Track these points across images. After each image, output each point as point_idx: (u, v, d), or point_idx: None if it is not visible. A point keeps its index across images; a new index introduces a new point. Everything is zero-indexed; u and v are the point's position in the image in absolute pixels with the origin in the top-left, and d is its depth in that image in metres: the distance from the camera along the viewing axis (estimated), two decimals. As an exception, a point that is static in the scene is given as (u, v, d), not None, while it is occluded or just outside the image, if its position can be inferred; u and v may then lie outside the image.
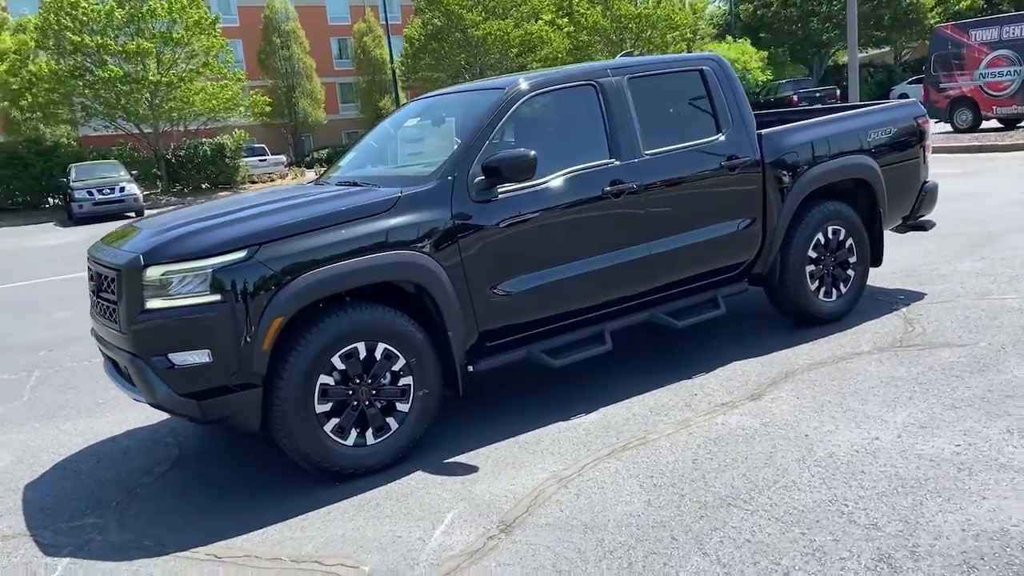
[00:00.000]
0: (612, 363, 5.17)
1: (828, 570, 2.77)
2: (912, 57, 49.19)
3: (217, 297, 3.56)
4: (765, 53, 43.85)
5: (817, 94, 36.34)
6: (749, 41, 44.04)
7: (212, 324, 3.56)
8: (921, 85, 22.81)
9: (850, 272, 5.57)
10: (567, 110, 4.78)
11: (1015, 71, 19.32)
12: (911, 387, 4.28)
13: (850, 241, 5.52)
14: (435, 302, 3.99)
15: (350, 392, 3.83)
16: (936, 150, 16.59)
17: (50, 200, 29.35)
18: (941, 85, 20.86)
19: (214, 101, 30.74)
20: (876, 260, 5.77)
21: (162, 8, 29.01)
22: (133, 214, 22.88)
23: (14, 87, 30.00)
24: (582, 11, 37.91)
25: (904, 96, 38.88)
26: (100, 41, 28.33)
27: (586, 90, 4.66)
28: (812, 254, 5.36)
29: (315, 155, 43.93)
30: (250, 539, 3.44)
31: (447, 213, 4.05)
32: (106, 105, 29.54)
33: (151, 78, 29.16)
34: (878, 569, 2.75)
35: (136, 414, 5.05)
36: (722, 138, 4.99)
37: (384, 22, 38.44)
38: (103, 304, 3.96)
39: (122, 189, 24.05)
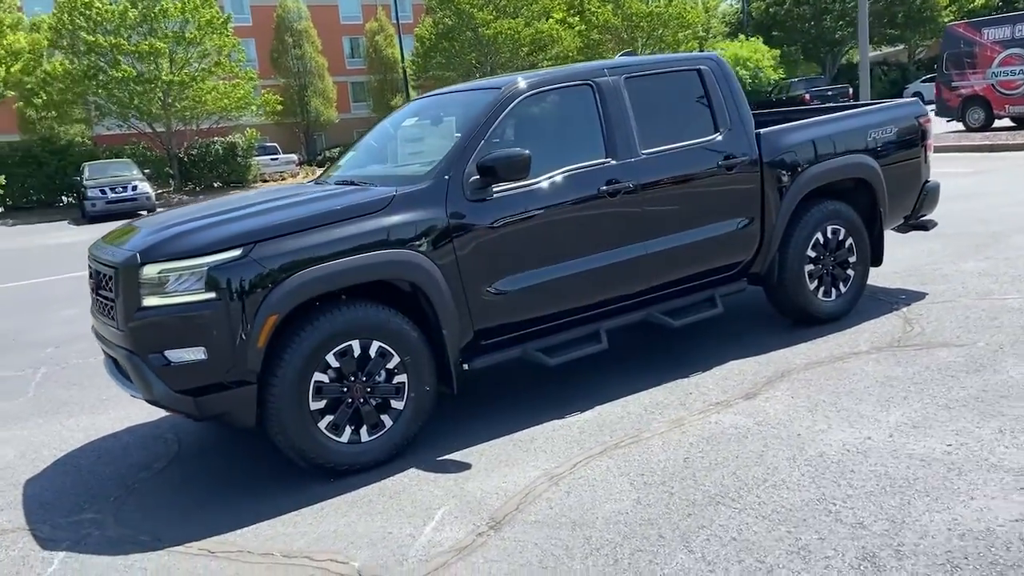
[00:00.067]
0: (610, 362, 5.19)
1: (812, 568, 2.79)
2: (926, 55, 48.92)
3: (212, 295, 3.60)
4: (777, 51, 43.69)
5: (829, 92, 36.18)
6: (761, 39, 43.88)
7: (207, 321, 3.60)
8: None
9: (850, 272, 5.57)
10: (564, 110, 4.79)
11: (1028, 69, 19.19)
12: (906, 387, 4.28)
13: (850, 241, 5.51)
14: (429, 301, 4.02)
15: (344, 389, 3.87)
16: (947, 149, 16.56)
17: (64, 198, 29.62)
18: (953, 84, 20.72)
19: (226, 100, 30.93)
20: (876, 260, 5.76)
21: (175, 8, 29.20)
22: (145, 212, 23.03)
23: (28, 86, 30.23)
24: (593, 10, 37.90)
25: (918, 95, 38.78)
26: (114, 41, 28.53)
27: (583, 90, 4.67)
28: (811, 254, 5.35)
29: (327, 154, 44.07)
30: (243, 534, 3.48)
31: (442, 212, 4.08)
32: (119, 104, 29.78)
33: (164, 77, 29.36)
34: (861, 568, 2.75)
35: (137, 411, 5.11)
36: (719, 137, 5.00)
37: (395, 21, 38.53)
38: (102, 302, 4.01)
39: (134, 188, 24.23)
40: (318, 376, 3.78)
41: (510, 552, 3.10)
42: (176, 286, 3.63)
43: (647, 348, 5.47)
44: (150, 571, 3.25)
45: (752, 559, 2.88)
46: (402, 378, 4.00)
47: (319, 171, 35.96)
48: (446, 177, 4.17)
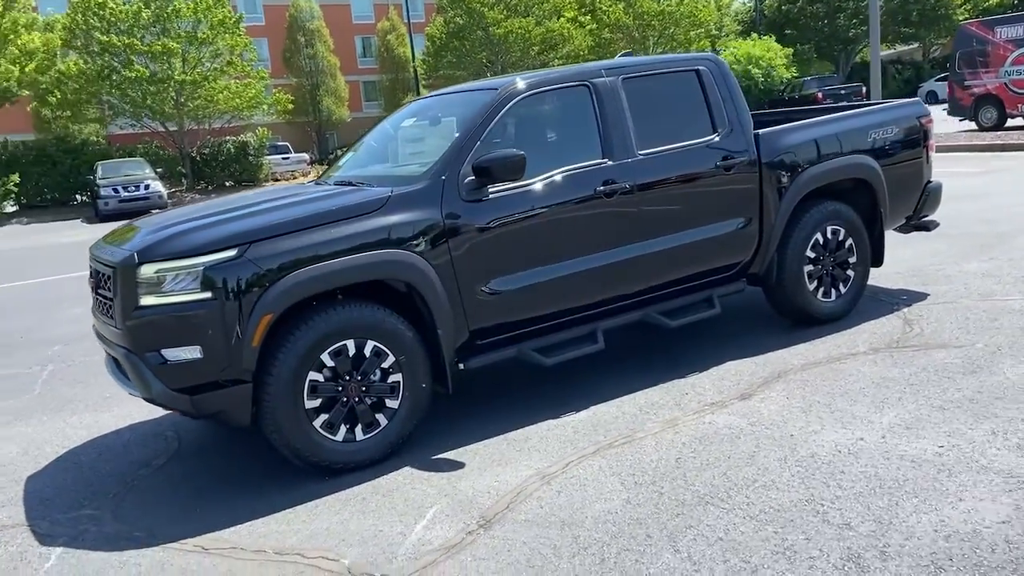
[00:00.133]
0: (608, 361, 5.20)
1: (796, 568, 2.80)
2: (941, 54, 48.55)
3: (208, 294, 3.65)
4: (790, 50, 43.47)
5: (843, 91, 35.95)
6: (774, 38, 43.67)
7: (203, 321, 3.64)
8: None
9: (850, 272, 5.56)
10: (561, 110, 4.82)
11: (1041, 68, 19.05)
12: (901, 388, 4.28)
13: (850, 241, 5.50)
14: (424, 300, 4.05)
15: (339, 388, 3.90)
16: (958, 148, 16.47)
17: (78, 197, 29.82)
18: (966, 83, 20.58)
19: (237, 100, 31.09)
20: (877, 260, 5.75)
21: (187, 8, 29.36)
22: (157, 211, 23.14)
23: (43, 86, 30.47)
24: (604, 8, 37.83)
25: (932, 93, 38.49)
26: (127, 41, 28.73)
27: (580, 91, 4.69)
28: (810, 254, 5.35)
29: (339, 153, 44.17)
30: (237, 531, 3.52)
31: (437, 213, 4.11)
32: (132, 104, 29.99)
33: (176, 77, 29.54)
34: (845, 568, 2.76)
35: (139, 408, 5.15)
36: (717, 138, 5.00)
37: (407, 20, 38.61)
38: (102, 301, 4.06)
39: (147, 187, 24.41)
40: (313, 375, 3.82)
41: (498, 551, 3.12)
42: (173, 286, 3.68)
43: (645, 348, 5.48)
44: (144, 567, 3.29)
45: (737, 559, 2.89)
46: (397, 377, 4.03)
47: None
48: (442, 178, 4.20)
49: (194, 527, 3.59)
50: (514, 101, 4.47)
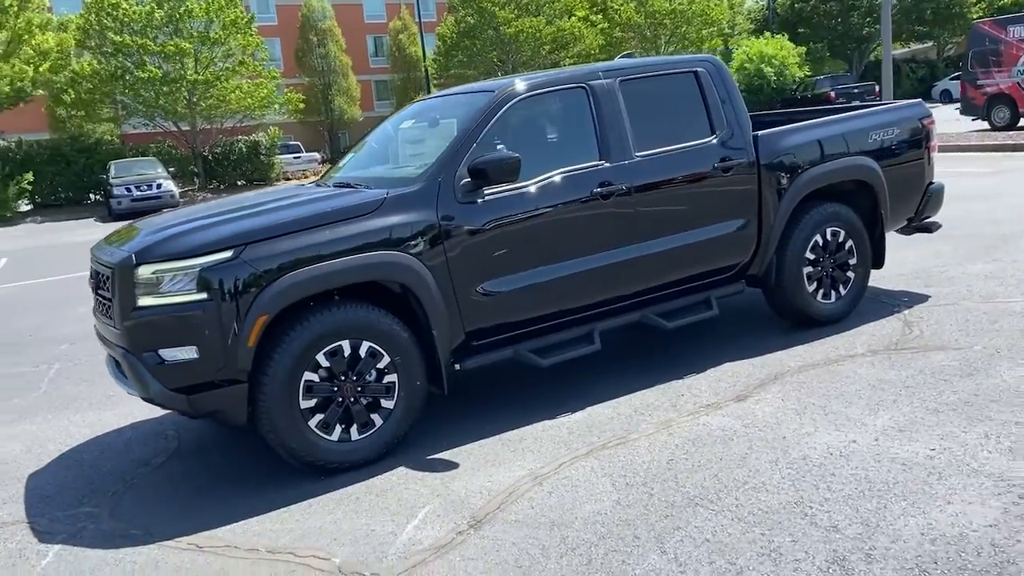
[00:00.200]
0: (607, 362, 5.22)
1: (781, 570, 2.81)
2: (955, 52, 48.15)
3: (204, 295, 3.69)
4: (803, 49, 43.25)
5: (855, 90, 35.75)
6: (787, 36, 43.46)
7: (199, 321, 3.69)
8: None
9: (850, 274, 5.55)
10: (558, 112, 4.84)
11: (1055, 68, 18.90)
12: (897, 390, 4.27)
13: (850, 243, 5.49)
14: (419, 302, 4.08)
15: (335, 389, 3.94)
16: (970, 148, 16.37)
17: (91, 196, 30.03)
18: (978, 82, 20.44)
19: (249, 100, 31.23)
20: (878, 262, 5.74)
21: (200, 8, 29.53)
22: (168, 210, 23.32)
23: (57, 85, 30.70)
24: (616, 7, 37.79)
25: (946, 92, 38.24)
26: (140, 41, 28.92)
27: (577, 92, 4.71)
28: (810, 256, 5.34)
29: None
30: (232, 529, 3.56)
31: (432, 214, 4.14)
32: (145, 104, 30.19)
33: (189, 77, 29.72)
34: (830, 571, 2.77)
35: (142, 407, 5.17)
36: (715, 140, 5.01)
37: (418, 20, 38.70)
38: (101, 301, 4.12)
39: (159, 186, 24.57)
40: (308, 375, 3.85)
41: (487, 551, 3.15)
42: (170, 286, 3.72)
43: (645, 349, 5.49)
44: (139, 564, 3.33)
45: (723, 560, 2.91)
46: (392, 378, 4.06)
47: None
48: (438, 180, 4.22)
49: (190, 525, 3.63)
50: (510, 103, 4.50)
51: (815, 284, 5.42)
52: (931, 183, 5.96)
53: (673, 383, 4.75)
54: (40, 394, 5.99)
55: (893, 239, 6.44)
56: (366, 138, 5.75)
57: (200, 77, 29.98)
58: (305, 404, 3.87)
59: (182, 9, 29.33)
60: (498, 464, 3.93)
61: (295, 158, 37.55)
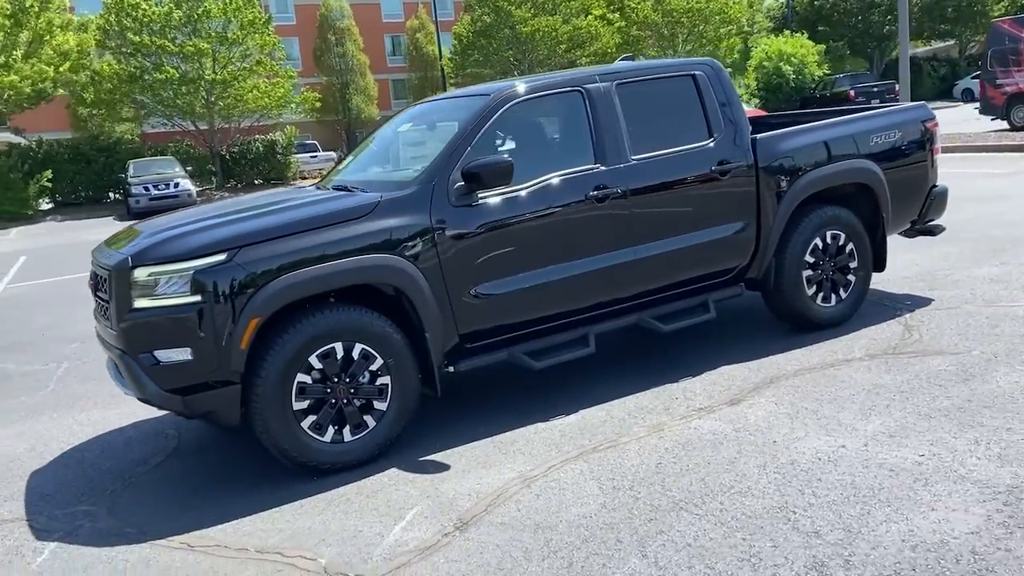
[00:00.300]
0: (606, 363, 5.23)
1: (760, 575, 2.82)
2: (977, 51, 47.58)
3: (198, 297, 3.74)
4: (823, 47, 42.93)
5: (875, 89, 35.46)
6: (807, 34, 43.16)
7: (193, 323, 3.74)
8: (984, 81, 22.11)
9: (850, 277, 5.52)
10: (553, 116, 4.87)
11: (1075, 66, 18.65)
12: (891, 395, 4.26)
13: (850, 246, 5.47)
14: (412, 304, 4.12)
15: (328, 390, 3.98)
16: (987, 148, 16.20)
17: (111, 195, 30.35)
18: (998, 81, 20.18)
19: (266, 99, 31.44)
20: (879, 265, 5.71)
21: (218, 9, 29.76)
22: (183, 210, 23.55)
23: (78, 84, 31.05)
24: (633, 6, 37.66)
25: (968, 91, 37.81)
26: (159, 42, 29.20)
27: (572, 96, 4.72)
28: (809, 259, 5.33)
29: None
30: (223, 529, 3.61)
31: (426, 218, 4.17)
32: (163, 104, 30.48)
33: (207, 76, 29.97)
34: (808, 577, 2.78)
35: (145, 406, 5.25)
36: (712, 143, 5.00)
37: (435, 19, 38.78)
38: (100, 303, 4.18)
39: (176, 185, 24.79)
40: (301, 377, 3.90)
41: (471, 553, 3.18)
42: (165, 289, 3.78)
43: (642, 351, 5.50)
44: (131, 563, 3.39)
45: (703, 565, 2.92)
46: (385, 380, 4.10)
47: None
48: (432, 183, 4.26)
49: (184, 524, 3.69)
50: (506, 107, 4.52)
51: (815, 287, 5.40)
52: (934, 186, 5.92)
53: (668, 386, 4.75)
54: (47, 392, 6.08)
55: (900, 241, 6.43)
56: (366, 140, 5.79)
57: (218, 77, 30.22)
58: (298, 405, 3.91)
59: (200, 10, 29.57)
60: (489, 466, 3.96)
61: (312, 157, 37.76)
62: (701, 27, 39.09)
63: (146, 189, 24.52)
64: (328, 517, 3.62)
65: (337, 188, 4.83)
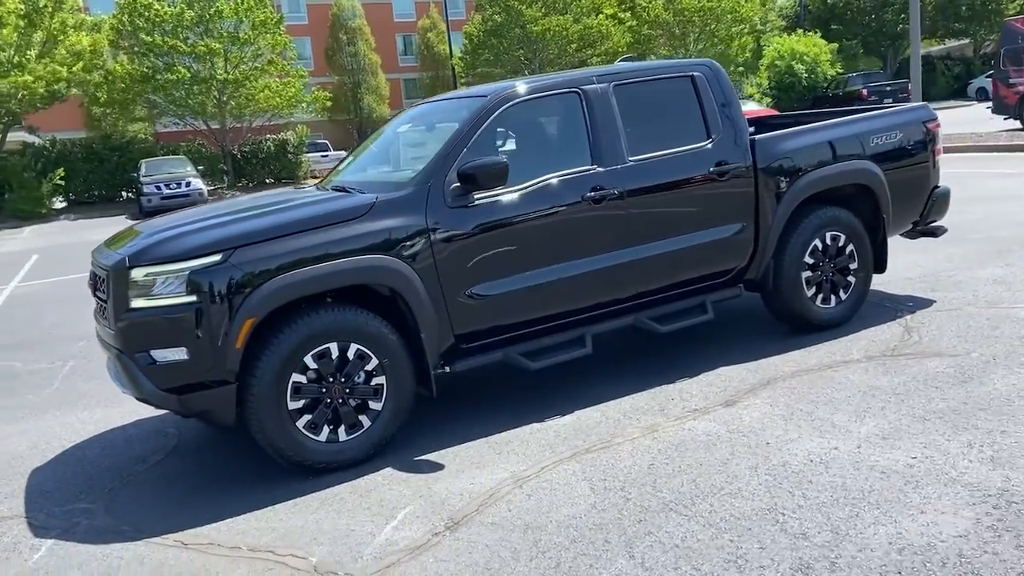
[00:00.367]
0: (603, 364, 5.24)
1: (744, 578, 2.82)
2: (992, 49, 47.22)
3: (193, 298, 3.78)
4: (835, 45, 42.69)
5: (888, 88, 35.26)
6: (819, 33, 42.94)
7: (189, 323, 3.77)
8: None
9: (850, 279, 5.51)
10: (550, 117, 4.88)
11: (1089, 65, 18.49)
12: (887, 397, 4.25)
13: (850, 247, 5.45)
14: (408, 305, 4.14)
15: (323, 390, 4.01)
16: (998, 148, 16.09)
17: (124, 194, 30.58)
18: (1011, 81, 20.04)
19: (277, 99, 31.58)
20: (880, 266, 5.69)
21: (229, 9, 29.91)
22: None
23: (91, 83, 31.25)
24: (644, 5, 37.58)
25: (982, 90, 37.51)
26: (171, 42, 29.37)
27: (570, 97, 4.73)
28: (808, 260, 5.31)
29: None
30: (218, 527, 3.64)
31: (421, 219, 4.19)
32: (175, 104, 30.67)
33: (219, 76, 30.13)
34: (793, 579, 2.78)
35: (146, 405, 5.33)
36: (710, 144, 5.00)
37: (446, 18, 38.83)
38: (99, 303, 4.23)
39: (188, 184, 24.95)
40: (296, 377, 3.93)
41: (460, 553, 3.20)
42: (161, 289, 3.82)
43: (641, 352, 5.50)
44: (125, 560, 3.43)
45: (689, 566, 2.93)
46: (380, 380, 4.12)
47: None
48: (427, 184, 4.28)
49: (179, 522, 3.72)
50: (502, 108, 4.53)
51: (814, 288, 5.39)
52: (936, 187, 5.89)
53: (665, 387, 4.76)
54: (52, 391, 6.15)
55: (904, 242, 6.40)
56: (366, 141, 5.82)
57: (230, 77, 30.38)
58: (293, 405, 3.94)
59: (212, 10, 29.73)
60: (482, 466, 3.98)
61: (323, 156, 37.86)
62: (712, 26, 38.94)
63: (158, 188, 24.69)
64: (321, 516, 3.64)
65: (336, 189, 4.86)
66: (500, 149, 4.88)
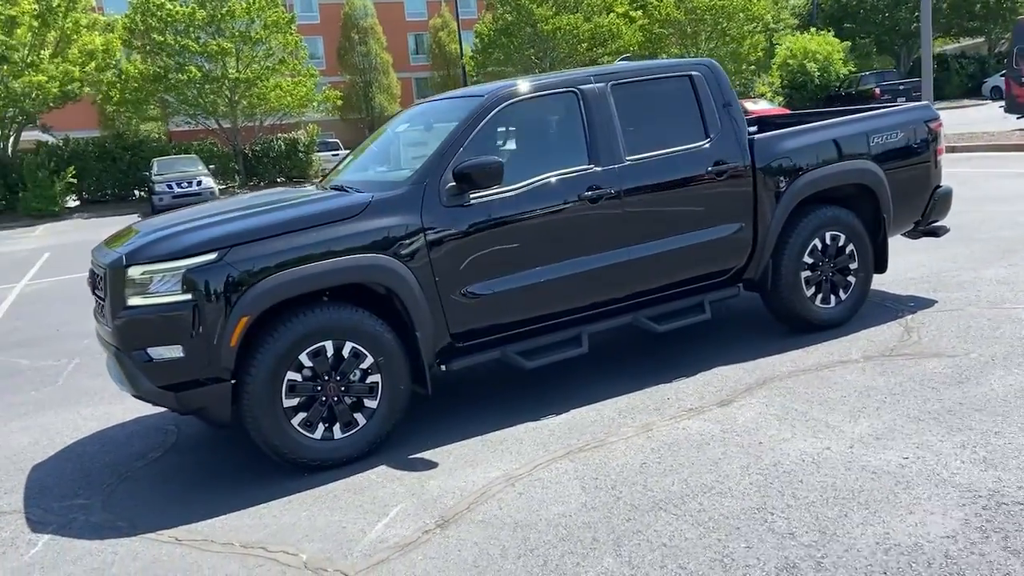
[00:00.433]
0: (602, 363, 5.25)
1: (730, 577, 2.83)
2: (1007, 48, 46.86)
3: (189, 296, 3.81)
4: (848, 44, 42.46)
5: (901, 87, 35.07)
6: (832, 32, 42.72)
7: (184, 321, 3.81)
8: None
9: (850, 279, 5.49)
10: (548, 117, 4.88)
11: (1103, 64, 18.33)
12: (882, 398, 4.24)
13: (850, 247, 5.44)
14: (403, 304, 4.16)
15: (318, 388, 4.03)
16: (1010, 148, 15.97)
17: (136, 192, 30.76)
18: (1023, 79, 19.92)
19: (289, 98, 31.70)
20: (880, 266, 5.67)
21: (241, 8, 30.04)
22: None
23: (104, 82, 31.46)
24: (655, 3, 37.50)
25: (997, 88, 37.22)
26: (183, 42, 29.54)
27: (567, 97, 4.74)
28: (808, 260, 5.30)
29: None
30: (212, 524, 3.67)
31: (417, 218, 4.21)
32: (187, 103, 30.84)
33: (231, 75, 30.27)
34: (778, 578, 2.79)
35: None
36: (708, 144, 5.00)
37: (457, 17, 38.86)
38: (97, 301, 4.27)
39: (199, 183, 25.04)
40: (291, 375, 3.95)
41: (448, 550, 3.21)
42: (158, 287, 3.85)
43: (639, 351, 5.51)
44: (120, 555, 3.46)
45: (675, 565, 2.94)
46: (376, 378, 4.14)
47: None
48: (423, 183, 4.30)
49: (174, 519, 3.75)
50: (499, 108, 4.55)
51: (814, 288, 5.37)
52: (938, 187, 5.86)
53: (661, 386, 4.76)
54: (56, 387, 6.21)
55: (907, 242, 6.38)
56: (366, 141, 5.84)
57: (241, 76, 30.52)
58: (288, 403, 3.97)
59: (224, 9, 29.87)
60: (476, 464, 3.99)
61: (334, 155, 37.93)
62: (724, 24, 38.81)
63: (169, 187, 24.79)
64: (314, 513, 3.67)
65: (334, 188, 4.89)
66: (501, 148, 4.89)
